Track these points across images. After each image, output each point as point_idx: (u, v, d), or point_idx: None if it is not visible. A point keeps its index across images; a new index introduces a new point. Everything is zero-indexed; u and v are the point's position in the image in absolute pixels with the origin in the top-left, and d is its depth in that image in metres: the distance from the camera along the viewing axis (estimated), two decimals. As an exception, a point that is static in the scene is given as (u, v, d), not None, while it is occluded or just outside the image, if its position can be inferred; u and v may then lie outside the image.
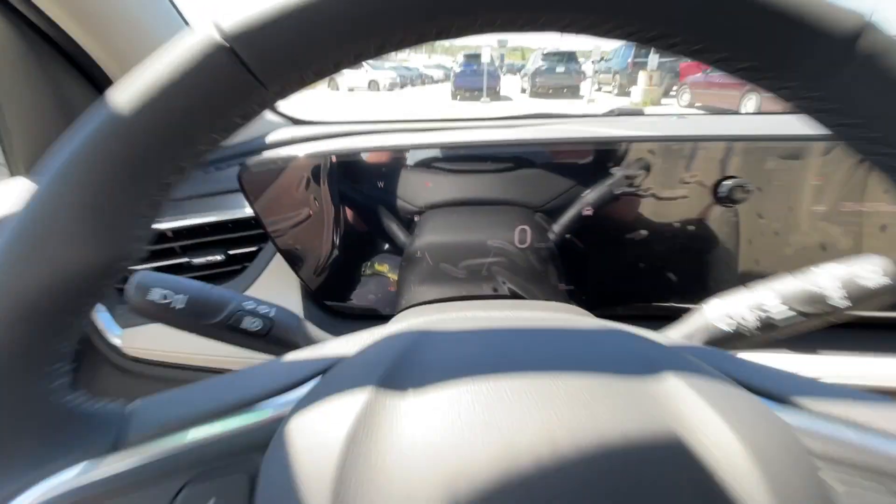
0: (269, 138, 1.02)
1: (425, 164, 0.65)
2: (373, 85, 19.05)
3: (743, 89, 9.30)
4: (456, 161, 0.65)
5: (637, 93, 12.14)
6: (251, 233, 0.69)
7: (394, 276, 0.69)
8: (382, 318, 0.71)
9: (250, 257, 0.70)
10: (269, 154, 0.68)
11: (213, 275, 0.69)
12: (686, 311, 0.69)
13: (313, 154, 0.63)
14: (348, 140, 0.83)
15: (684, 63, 13.61)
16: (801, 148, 0.57)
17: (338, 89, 19.38)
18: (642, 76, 12.24)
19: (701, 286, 0.66)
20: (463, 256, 0.67)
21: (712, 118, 1.05)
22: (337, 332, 0.72)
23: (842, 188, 0.58)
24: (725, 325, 0.38)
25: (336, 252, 0.68)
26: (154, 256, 0.69)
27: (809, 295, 0.35)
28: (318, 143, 0.86)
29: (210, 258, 0.68)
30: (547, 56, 14.19)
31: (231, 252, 0.69)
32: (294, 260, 0.66)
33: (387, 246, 0.69)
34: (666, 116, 1.21)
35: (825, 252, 0.61)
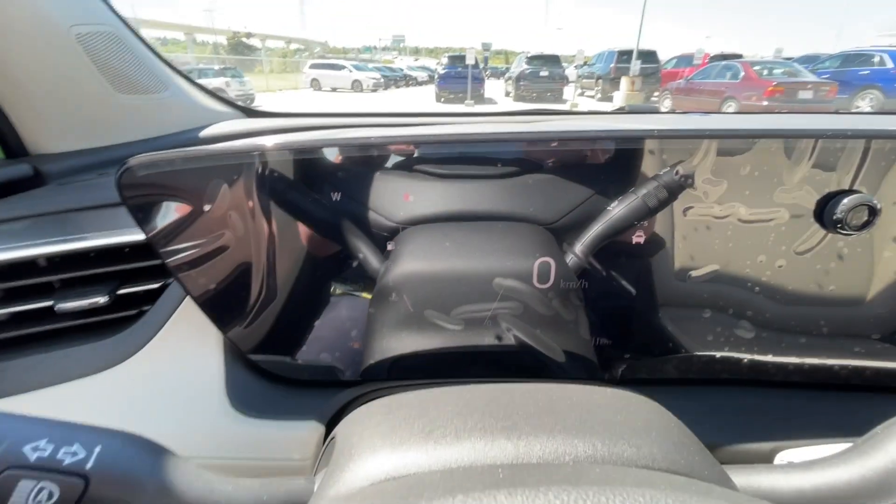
0: (208, 132, 0.81)
1: (403, 166, 0.46)
2: (356, 85, 18.81)
3: (722, 96, 9.38)
4: (444, 163, 0.46)
5: (619, 98, 12.16)
6: (154, 263, 0.48)
7: (369, 297, 0.50)
8: (340, 385, 0.51)
9: (153, 297, 0.49)
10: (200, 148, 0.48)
11: (93, 325, 0.48)
12: (770, 370, 0.52)
13: (238, 150, 0.43)
14: (300, 134, 0.63)
15: (665, 70, 13.78)
16: None
17: (320, 89, 19.09)
18: (624, 81, 12.27)
19: (791, 339, 0.48)
20: (459, 300, 0.47)
21: (754, 116, 0.87)
22: (275, 406, 0.51)
23: None
24: None
25: (271, 292, 0.47)
26: (9, 297, 0.47)
27: None
28: (256, 138, 0.66)
29: (89, 301, 0.47)
30: (531, 60, 14.09)
31: (122, 291, 0.48)
32: (210, 304, 0.46)
33: (346, 283, 0.49)
34: (687, 115, 1.05)
35: None
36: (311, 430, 0.48)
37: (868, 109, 8.79)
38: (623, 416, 0.28)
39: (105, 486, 0.21)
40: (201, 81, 0.92)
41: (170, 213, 0.43)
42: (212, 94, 0.90)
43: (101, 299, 0.47)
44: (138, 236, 0.48)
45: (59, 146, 0.59)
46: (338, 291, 0.50)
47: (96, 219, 0.52)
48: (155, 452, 0.24)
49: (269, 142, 0.42)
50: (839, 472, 0.25)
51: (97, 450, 0.21)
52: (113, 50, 0.61)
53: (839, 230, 0.42)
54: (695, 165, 0.43)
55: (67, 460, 0.20)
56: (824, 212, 0.42)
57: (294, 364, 0.50)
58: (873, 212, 0.41)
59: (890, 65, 8.85)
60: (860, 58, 9.52)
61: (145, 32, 0.74)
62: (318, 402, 0.50)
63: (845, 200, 0.41)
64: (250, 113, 0.98)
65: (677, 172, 0.43)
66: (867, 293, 0.47)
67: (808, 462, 0.27)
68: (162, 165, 0.41)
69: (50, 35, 0.52)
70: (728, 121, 0.49)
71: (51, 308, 0.48)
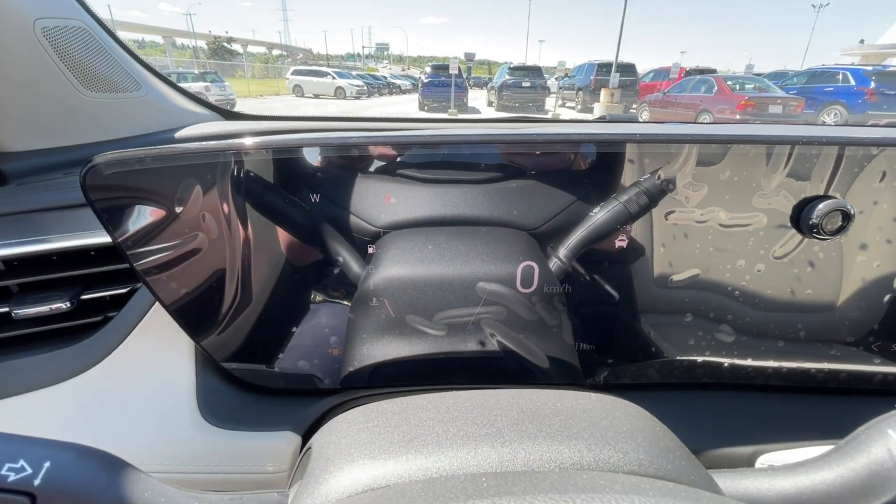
0: (184, 133, 0.78)
1: (386, 171, 0.45)
2: (339, 92, 18.77)
3: (697, 109, 9.69)
4: (427, 168, 0.45)
5: (599, 108, 12.43)
6: (121, 266, 0.46)
7: (349, 303, 0.48)
8: (318, 394, 0.49)
9: (120, 303, 0.47)
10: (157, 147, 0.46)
11: (55, 332, 0.46)
12: (751, 374, 0.53)
13: (213, 149, 0.41)
14: (279, 135, 0.61)
15: (643, 83, 14.18)
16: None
17: (303, 95, 18.98)
18: (604, 93, 12.56)
19: (770, 343, 0.49)
20: (442, 305, 0.46)
21: (732, 125, 0.90)
22: (250, 416, 0.50)
23: None
24: None
25: (246, 298, 0.45)
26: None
27: None
28: (234, 139, 0.64)
29: (50, 306, 0.44)
30: (513, 71, 14.33)
31: (87, 296, 0.45)
32: (182, 311, 0.44)
33: (325, 288, 0.47)
34: (667, 123, 1.07)
35: None
36: (286, 440, 0.46)
37: (832, 125, 9.20)
38: (608, 422, 0.27)
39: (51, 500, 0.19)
40: (180, 85, 0.90)
41: (139, 214, 0.41)
42: (189, 95, 0.88)
43: (64, 305, 0.44)
44: (104, 238, 0.46)
45: (22, 144, 0.56)
46: (317, 298, 0.48)
47: (59, 220, 0.49)
48: (111, 467, 0.22)
49: (246, 141, 0.41)
50: (822, 475, 0.25)
51: (46, 465, 0.20)
52: (82, 46, 0.58)
53: (815, 235, 0.43)
54: (675, 171, 0.43)
55: (12, 477, 0.19)
56: (801, 217, 0.43)
57: (270, 372, 0.48)
58: (847, 217, 0.42)
59: (852, 82, 9.30)
60: (825, 75, 9.99)
61: (122, 35, 0.71)
62: (295, 412, 0.48)
63: (821, 206, 0.42)
64: (229, 115, 0.96)
65: (659, 177, 0.44)
66: (840, 298, 0.48)
67: (790, 465, 0.27)
68: (131, 164, 0.39)
69: (11, 28, 0.50)
70: (707, 128, 0.49)
71: (8, 314, 0.45)
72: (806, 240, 0.44)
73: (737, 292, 0.47)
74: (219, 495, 0.25)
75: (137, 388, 0.46)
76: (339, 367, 0.49)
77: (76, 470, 0.20)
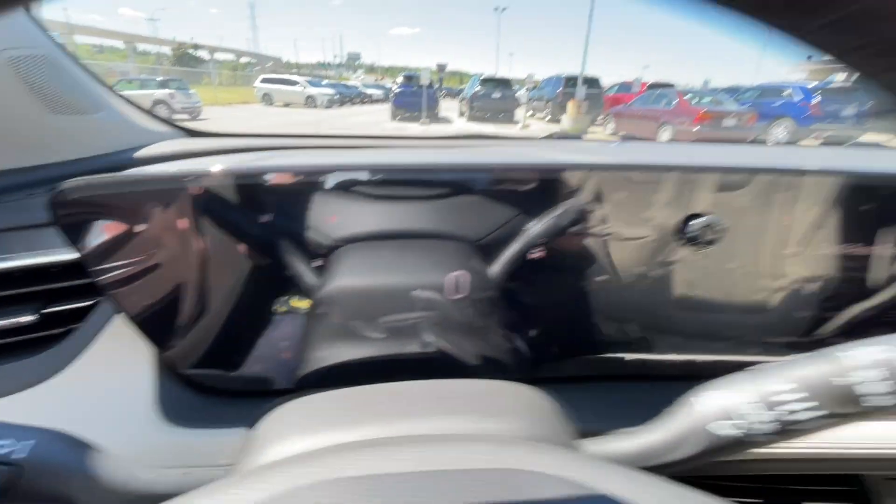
0: (147, 153, 0.81)
1: (341, 188, 0.50)
2: (309, 101, 18.60)
3: (659, 121, 10.18)
4: (379, 185, 0.51)
5: (567, 120, 12.85)
6: (84, 281, 0.50)
7: (305, 312, 0.53)
8: (275, 395, 0.54)
9: (81, 315, 0.50)
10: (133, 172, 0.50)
11: (18, 344, 0.48)
12: (649, 365, 0.61)
13: (174, 175, 0.45)
14: (243, 157, 0.66)
15: (608, 95, 14.73)
16: (773, 183, 0.50)
17: (272, 104, 18.71)
18: (571, 105, 12.99)
19: (667, 339, 0.57)
20: (381, 311, 0.52)
21: (660, 146, 1.00)
22: (209, 416, 0.53)
23: (815, 228, 0.52)
24: (729, 429, 0.27)
25: (207, 310, 0.50)
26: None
27: (844, 393, 0.25)
28: (194, 161, 0.68)
29: (13, 320, 0.47)
30: (484, 82, 14.67)
31: (49, 310, 0.49)
32: (143, 320, 0.48)
33: (281, 299, 0.52)
34: (606, 142, 1.17)
35: (804, 299, 0.55)
36: (240, 436, 0.50)
37: (784, 136, 9.80)
38: (502, 402, 0.33)
39: (38, 475, 0.24)
40: (143, 92, 0.92)
41: (103, 232, 0.45)
42: (151, 114, 0.91)
43: (26, 318, 0.48)
44: (66, 256, 0.49)
45: (-15, 166, 0.59)
46: (273, 308, 0.53)
47: (22, 239, 0.52)
48: (84, 447, 0.27)
49: (208, 167, 0.46)
50: (650, 438, 0.32)
51: (31, 443, 0.24)
52: (45, 72, 0.62)
53: (695, 245, 0.51)
54: (599, 191, 0.51)
55: (1, 451, 0.23)
56: (684, 230, 0.51)
57: (229, 376, 0.53)
58: (718, 230, 0.50)
59: (798, 97, 9.97)
60: (774, 90, 10.66)
61: (81, 39, 0.74)
62: (250, 411, 0.52)
63: (699, 221, 0.50)
64: (192, 133, 0.99)
65: (585, 198, 0.51)
66: (723, 301, 0.56)
67: (631, 431, 0.34)
68: (97, 189, 0.43)
69: (-21, 59, 0.53)
70: (629, 154, 0.58)
71: None
72: (690, 248, 0.53)
73: (643, 294, 0.55)
74: (173, 469, 0.30)
75: (99, 393, 0.49)
76: (294, 370, 0.53)
77: (56, 448, 0.25)
